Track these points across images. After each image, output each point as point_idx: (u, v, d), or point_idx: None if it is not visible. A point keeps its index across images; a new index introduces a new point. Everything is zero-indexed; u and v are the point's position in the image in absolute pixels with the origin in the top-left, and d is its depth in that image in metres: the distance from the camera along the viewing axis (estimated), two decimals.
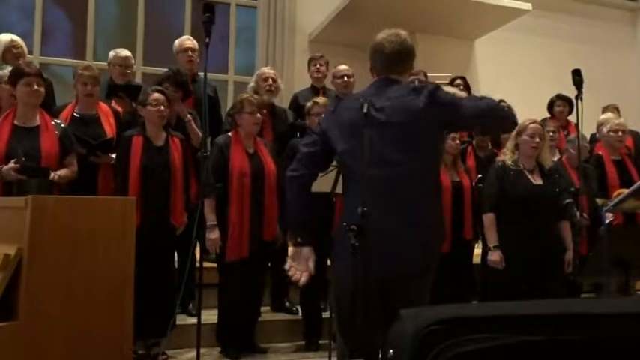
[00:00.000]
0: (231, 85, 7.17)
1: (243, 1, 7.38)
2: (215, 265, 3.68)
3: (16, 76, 3.25)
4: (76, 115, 3.69)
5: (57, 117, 3.57)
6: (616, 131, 4.34)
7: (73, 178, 3.34)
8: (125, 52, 4.45)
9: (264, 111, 4.25)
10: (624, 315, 1.12)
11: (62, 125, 3.38)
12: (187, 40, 4.69)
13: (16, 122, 3.23)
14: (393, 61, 2.28)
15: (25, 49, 4.21)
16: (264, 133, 4.16)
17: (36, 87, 3.24)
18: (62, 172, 3.23)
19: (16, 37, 4.18)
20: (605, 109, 5.47)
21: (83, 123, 3.65)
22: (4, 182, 3.08)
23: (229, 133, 3.68)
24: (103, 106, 3.80)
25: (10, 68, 3.60)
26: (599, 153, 4.43)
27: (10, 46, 4.07)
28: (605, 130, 4.45)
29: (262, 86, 4.28)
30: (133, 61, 4.54)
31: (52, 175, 3.09)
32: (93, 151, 3.55)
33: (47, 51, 6.44)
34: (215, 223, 3.45)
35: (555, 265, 3.49)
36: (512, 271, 3.40)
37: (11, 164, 3.01)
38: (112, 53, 4.48)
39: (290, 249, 2.17)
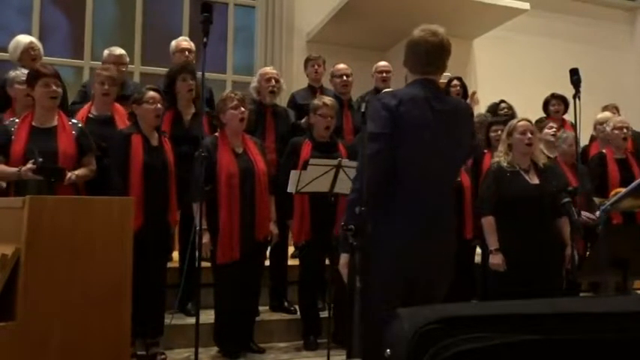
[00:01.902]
0: (229, 85, 7.15)
1: (242, 0, 7.37)
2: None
3: (34, 77, 3.26)
4: (91, 115, 3.70)
5: (73, 117, 3.58)
6: (620, 128, 4.33)
7: (92, 178, 3.35)
8: (119, 50, 4.44)
9: (268, 110, 4.25)
10: (623, 314, 1.12)
11: (79, 125, 3.38)
12: (184, 41, 4.71)
13: (34, 123, 3.23)
14: (428, 61, 2.20)
15: (42, 51, 4.25)
16: (266, 133, 4.15)
17: (54, 87, 3.24)
18: (80, 171, 3.24)
19: (35, 40, 4.25)
20: (605, 109, 5.46)
21: (98, 123, 3.67)
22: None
23: (216, 134, 3.62)
24: (119, 107, 3.79)
25: (23, 70, 3.61)
26: (603, 151, 4.43)
27: (29, 48, 4.12)
28: (608, 128, 4.44)
29: (265, 87, 4.25)
30: (128, 59, 4.54)
31: (69, 174, 3.10)
32: (106, 153, 3.54)
33: (45, 51, 6.39)
34: (205, 227, 3.38)
35: (555, 264, 3.47)
36: (513, 271, 3.38)
37: (29, 165, 3.02)
38: (105, 52, 4.49)
39: (344, 256, 2.11)
